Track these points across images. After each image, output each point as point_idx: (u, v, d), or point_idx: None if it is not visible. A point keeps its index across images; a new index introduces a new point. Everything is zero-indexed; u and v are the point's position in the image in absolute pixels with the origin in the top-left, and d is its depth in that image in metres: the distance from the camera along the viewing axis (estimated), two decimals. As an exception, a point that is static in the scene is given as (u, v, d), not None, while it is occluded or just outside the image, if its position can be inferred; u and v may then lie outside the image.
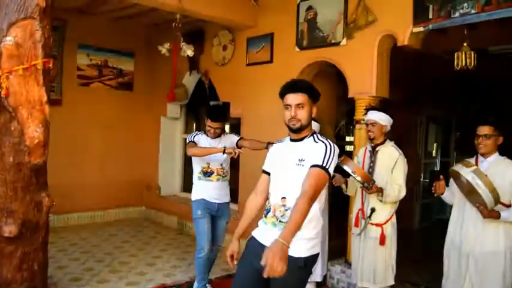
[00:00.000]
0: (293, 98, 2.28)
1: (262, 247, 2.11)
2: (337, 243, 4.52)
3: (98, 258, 4.94)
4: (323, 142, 2.29)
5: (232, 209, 5.53)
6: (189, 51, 4.43)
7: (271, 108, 5.05)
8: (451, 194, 3.22)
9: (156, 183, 6.93)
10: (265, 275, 1.87)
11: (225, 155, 3.72)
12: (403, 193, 3.54)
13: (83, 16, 6.15)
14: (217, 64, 5.68)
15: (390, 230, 3.59)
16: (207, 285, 3.95)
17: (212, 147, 3.77)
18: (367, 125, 3.69)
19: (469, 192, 2.91)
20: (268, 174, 2.45)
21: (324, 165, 2.20)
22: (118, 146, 6.74)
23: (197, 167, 3.93)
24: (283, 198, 2.25)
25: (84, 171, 6.45)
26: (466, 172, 2.81)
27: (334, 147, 2.29)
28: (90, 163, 6.52)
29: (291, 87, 2.32)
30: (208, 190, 3.89)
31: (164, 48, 4.50)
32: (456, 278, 3.16)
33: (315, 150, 2.26)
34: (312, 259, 2.27)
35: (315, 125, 4.18)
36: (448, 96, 8.01)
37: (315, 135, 2.35)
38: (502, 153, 3.15)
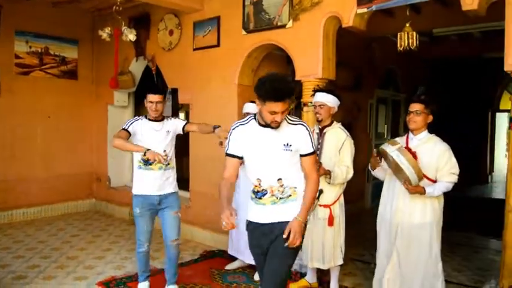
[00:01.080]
0: (279, 107, 2.28)
1: (266, 226, 2.48)
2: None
3: (44, 254, 4.74)
4: (300, 124, 2.47)
5: (184, 197, 5.47)
6: (131, 36, 4.27)
7: (220, 93, 4.98)
8: (384, 171, 3.32)
9: (105, 175, 6.72)
10: (287, 244, 2.32)
11: (169, 137, 3.58)
12: (350, 174, 3.62)
13: (20, 1, 5.78)
14: (164, 49, 5.52)
15: (338, 211, 3.66)
16: (148, 279, 3.76)
17: (153, 132, 3.51)
18: (314, 107, 3.71)
19: (395, 169, 3.02)
20: (238, 158, 2.49)
21: (314, 149, 2.50)
22: (64, 137, 6.46)
23: (137, 154, 3.53)
24: (280, 179, 2.44)
25: (28, 165, 6.14)
26: (391, 150, 2.92)
27: (308, 125, 2.52)
28: (34, 156, 6.21)
29: (276, 97, 2.25)
30: (148, 180, 3.52)
31: (105, 33, 4.32)
32: (388, 250, 3.29)
33: (298, 134, 2.45)
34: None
35: (255, 108, 4.18)
36: (397, 78, 8.23)
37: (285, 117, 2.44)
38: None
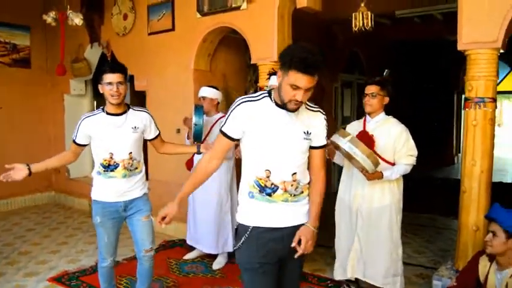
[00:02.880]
0: (304, 81, 1.86)
1: (278, 231, 2.04)
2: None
3: (-5, 250, 4.56)
4: (319, 111, 2.12)
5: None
6: (77, 20, 4.07)
7: (176, 79, 4.84)
8: (342, 157, 3.25)
9: (64, 166, 6.49)
10: (297, 255, 1.99)
11: (136, 135, 2.86)
12: None
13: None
14: (119, 34, 5.31)
15: None
16: None
17: (113, 130, 2.80)
18: None
19: (350, 159, 2.95)
20: (233, 140, 2.08)
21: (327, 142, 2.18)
22: (18, 128, 6.19)
23: (97, 157, 2.87)
24: (294, 174, 2.03)
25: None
26: (343, 143, 2.82)
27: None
28: None
29: (304, 65, 1.83)
30: (110, 188, 2.86)
31: (49, 18, 4.11)
32: (348, 235, 3.26)
33: (317, 122, 2.09)
34: None
35: (216, 94, 4.08)
36: (361, 61, 8.21)
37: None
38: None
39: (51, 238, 4.94)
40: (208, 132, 3.98)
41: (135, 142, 2.88)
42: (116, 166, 2.80)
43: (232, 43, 4.97)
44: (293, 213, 2.06)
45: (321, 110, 2.13)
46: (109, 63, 2.96)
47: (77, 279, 3.78)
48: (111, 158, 2.80)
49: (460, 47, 3.11)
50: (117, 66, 2.79)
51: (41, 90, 6.39)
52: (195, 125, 3.59)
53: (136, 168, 2.91)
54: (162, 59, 4.93)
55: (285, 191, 2.02)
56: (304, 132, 2.03)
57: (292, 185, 2.03)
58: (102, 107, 2.86)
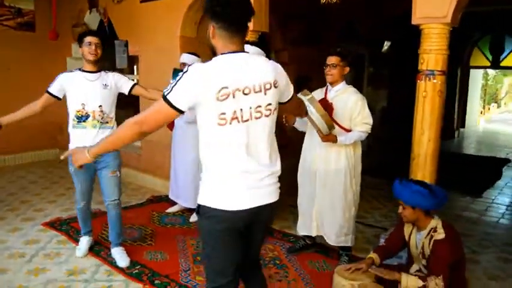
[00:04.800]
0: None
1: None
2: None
3: (-1, 199, 5.04)
4: None
5: (136, 145, 5.72)
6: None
7: (165, 45, 5.12)
8: (303, 123, 3.48)
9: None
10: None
11: (107, 92, 3.23)
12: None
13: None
14: (114, 1, 5.59)
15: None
16: (89, 234, 3.64)
17: (86, 83, 3.19)
18: None
19: (309, 118, 3.20)
20: None
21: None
22: (24, 89, 6.49)
23: (71, 110, 3.25)
24: None
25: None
26: (303, 100, 3.06)
27: None
28: None
29: None
30: (83, 140, 3.14)
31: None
32: (310, 195, 3.54)
33: None
34: None
35: (195, 60, 4.34)
36: (359, 32, 8.26)
37: None
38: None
39: (51, 190, 5.41)
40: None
41: (106, 98, 3.26)
42: (87, 117, 3.20)
43: (220, 12, 5.19)
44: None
45: None
46: (89, 30, 3.34)
47: (67, 225, 4.22)
48: (83, 108, 3.19)
49: (414, 22, 3.28)
50: (96, 31, 3.34)
51: (45, 53, 6.74)
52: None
53: (107, 122, 3.29)
54: (152, 26, 5.20)
55: None
56: None
57: None
58: (78, 68, 3.30)
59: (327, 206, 3.46)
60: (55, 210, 4.66)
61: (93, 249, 3.65)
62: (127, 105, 5.02)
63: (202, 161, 1.93)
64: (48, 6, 6.65)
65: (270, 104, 1.90)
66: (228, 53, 1.83)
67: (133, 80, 3.44)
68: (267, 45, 3.96)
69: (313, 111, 3.03)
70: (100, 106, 3.23)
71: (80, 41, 3.23)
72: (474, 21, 7.92)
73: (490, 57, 10.91)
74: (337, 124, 3.31)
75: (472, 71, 11.99)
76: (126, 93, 3.40)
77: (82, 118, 3.21)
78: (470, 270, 3.49)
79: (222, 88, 1.76)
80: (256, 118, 1.86)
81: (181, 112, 1.81)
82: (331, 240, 3.50)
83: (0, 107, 3.35)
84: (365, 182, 6.16)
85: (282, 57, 6.78)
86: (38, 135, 6.84)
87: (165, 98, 1.78)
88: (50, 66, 6.79)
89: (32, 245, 3.77)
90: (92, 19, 6.20)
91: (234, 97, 1.79)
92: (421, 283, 2.48)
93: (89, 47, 3.17)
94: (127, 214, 4.55)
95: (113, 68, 6.16)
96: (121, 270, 3.31)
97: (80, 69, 3.28)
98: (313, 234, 3.59)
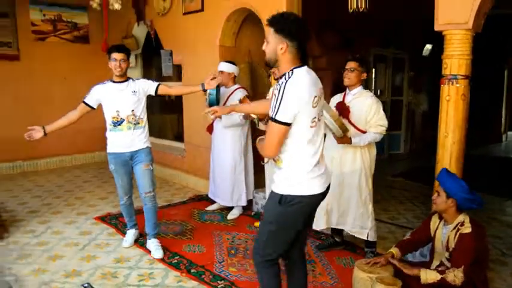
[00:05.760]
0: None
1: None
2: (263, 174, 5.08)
3: (57, 195, 5.58)
4: None
5: (180, 147, 6.13)
6: (117, 5, 4.76)
7: (205, 54, 5.46)
8: None
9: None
10: None
11: (136, 97, 3.63)
12: None
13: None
14: (159, 14, 6.02)
15: None
16: (134, 227, 4.04)
17: (118, 93, 3.60)
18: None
19: (324, 123, 3.40)
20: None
21: None
22: (77, 96, 6.97)
23: (107, 117, 3.69)
24: None
25: (48, 121, 6.89)
26: None
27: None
28: (53, 113, 6.71)
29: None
30: (118, 141, 3.67)
31: (95, 3, 4.83)
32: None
33: None
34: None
35: (232, 68, 4.63)
36: (399, 36, 8.28)
37: None
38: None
39: (102, 188, 5.90)
40: (226, 101, 4.58)
41: (136, 102, 3.66)
42: (122, 121, 3.61)
43: (256, 21, 5.47)
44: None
45: None
46: (117, 45, 3.72)
47: (116, 219, 4.64)
48: (117, 115, 3.61)
49: (436, 28, 3.40)
50: (121, 47, 3.64)
51: (99, 64, 7.27)
52: (210, 94, 4.21)
53: (139, 123, 3.69)
54: (194, 37, 5.58)
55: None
56: None
57: None
58: (110, 79, 3.71)
59: (343, 202, 3.63)
60: (106, 206, 5.11)
61: (138, 241, 4.02)
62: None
63: (285, 158, 2.25)
64: (101, 21, 7.24)
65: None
66: (299, 67, 2.20)
67: (154, 81, 3.81)
68: (305, 52, 4.15)
69: (327, 116, 3.20)
70: (132, 111, 3.65)
71: (108, 56, 3.61)
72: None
73: (541, 58, 10.54)
74: (354, 126, 3.51)
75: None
76: (153, 94, 3.76)
77: (117, 123, 3.63)
78: (497, 270, 3.56)
79: (315, 97, 2.17)
80: (320, 121, 2.30)
81: (290, 125, 2.14)
82: (346, 227, 3.67)
83: (57, 114, 3.80)
84: (400, 185, 6.29)
85: (320, 64, 6.99)
86: (90, 139, 7.41)
87: (273, 119, 2.13)
88: (102, 75, 7.33)
89: (85, 236, 4.20)
90: (139, 31, 6.70)
91: (319, 103, 2.22)
92: (439, 276, 2.62)
93: (115, 62, 3.56)
94: (170, 211, 4.94)
95: (159, 75, 6.64)
96: (161, 259, 3.65)
97: (111, 81, 3.68)
98: (323, 228, 3.74)
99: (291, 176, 2.25)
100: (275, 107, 2.10)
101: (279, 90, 2.12)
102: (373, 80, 7.92)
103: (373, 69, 7.86)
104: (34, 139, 3.61)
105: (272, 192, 2.36)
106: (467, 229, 2.68)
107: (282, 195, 2.26)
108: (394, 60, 8.45)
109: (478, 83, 9.77)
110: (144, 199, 3.79)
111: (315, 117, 2.20)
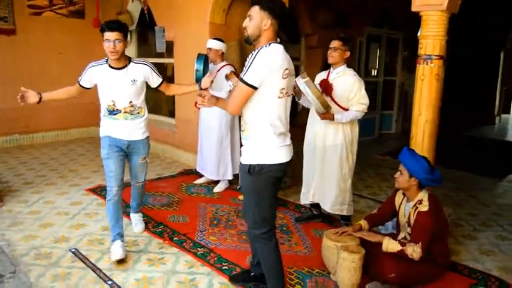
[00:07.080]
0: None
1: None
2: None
3: (52, 168, 5.76)
4: None
5: (171, 123, 6.26)
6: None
7: (196, 31, 5.55)
8: (307, 100, 3.81)
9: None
10: None
11: (135, 87, 3.20)
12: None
13: None
14: (152, -10, 6.09)
15: None
16: (121, 238, 3.30)
17: (114, 82, 3.14)
18: None
19: (306, 99, 3.52)
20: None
21: None
22: (74, 71, 7.09)
23: (102, 102, 3.27)
24: None
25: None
26: (300, 82, 3.31)
27: None
28: (49, 87, 6.88)
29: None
30: (114, 128, 3.28)
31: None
32: (310, 167, 3.91)
33: None
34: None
35: (220, 45, 4.72)
36: (393, 16, 8.31)
37: None
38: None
39: (95, 162, 6.07)
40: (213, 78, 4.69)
41: (135, 92, 3.24)
42: (118, 111, 3.23)
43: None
44: None
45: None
46: (109, 21, 3.11)
47: (106, 190, 4.80)
48: (113, 105, 3.21)
49: (413, 9, 3.47)
50: (115, 24, 3.03)
51: (94, 39, 7.36)
52: (196, 71, 4.31)
53: (139, 112, 3.33)
54: (186, 13, 5.66)
55: None
56: None
57: None
58: (106, 59, 3.18)
59: (325, 178, 3.80)
60: (98, 179, 5.29)
61: (125, 212, 4.19)
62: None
63: (251, 126, 2.40)
64: (96, -4, 7.31)
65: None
66: (277, 42, 2.36)
67: (161, 77, 3.42)
68: (297, 30, 4.25)
69: (309, 92, 3.32)
70: (130, 102, 3.24)
71: (102, 35, 3.04)
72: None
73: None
74: (336, 103, 3.63)
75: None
76: (153, 87, 3.41)
77: (113, 112, 3.23)
78: (466, 244, 3.74)
79: (286, 69, 2.32)
80: (288, 95, 2.43)
81: (256, 89, 2.29)
82: (327, 207, 3.85)
83: (54, 87, 3.74)
84: (387, 163, 6.43)
85: (311, 42, 7.08)
86: (86, 113, 7.55)
87: (241, 80, 2.28)
88: (97, 50, 7.41)
89: (76, 206, 4.40)
90: (134, 7, 6.76)
91: (289, 77, 2.36)
92: (399, 247, 2.79)
93: (108, 44, 3.01)
94: (159, 184, 5.12)
95: (153, 52, 6.71)
96: (146, 228, 3.84)
97: (107, 62, 3.17)
98: (310, 201, 3.94)
99: (259, 146, 2.40)
100: (246, 69, 2.28)
101: (253, 55, 2.29)
102: (365, 60, 7.97)
103: (366, 50, 7.90)
104: (27, 103, 3.17)
105: (241, 164, 2.51)
106: (424, 207, 2.85)
107: (250, 165, 2.41)
108: (388, 40, 8.50)
109: (473, 64, 9.94)
110: (133, 187, 3.73)
111: (284, 89, 2.34)
